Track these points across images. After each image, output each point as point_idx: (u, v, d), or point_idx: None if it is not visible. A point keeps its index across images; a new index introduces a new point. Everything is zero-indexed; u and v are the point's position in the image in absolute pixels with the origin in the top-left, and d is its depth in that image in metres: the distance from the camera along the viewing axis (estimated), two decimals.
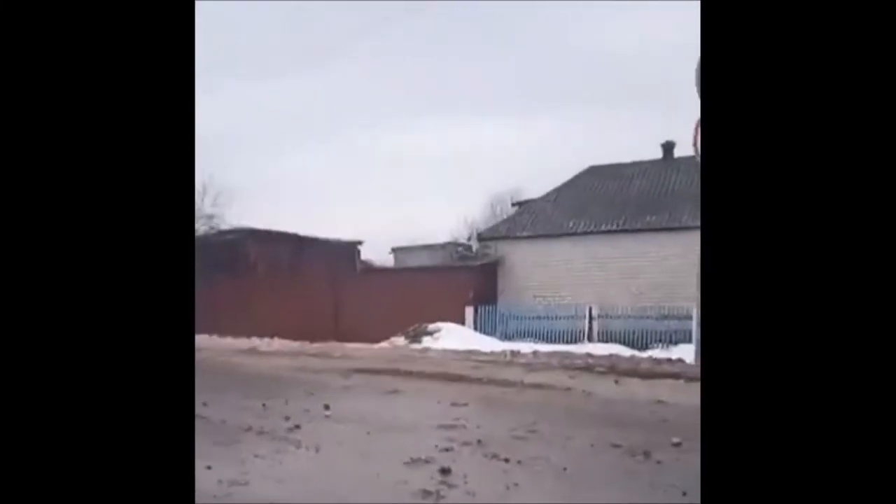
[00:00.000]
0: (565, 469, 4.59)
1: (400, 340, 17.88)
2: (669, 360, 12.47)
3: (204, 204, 26.03)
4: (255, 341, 18.47)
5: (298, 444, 5.30)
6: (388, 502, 3.96)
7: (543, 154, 49.94)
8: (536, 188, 25.58)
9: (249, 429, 5.88)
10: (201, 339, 17.54)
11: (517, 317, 19.28)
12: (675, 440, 5.27)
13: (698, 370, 7.49)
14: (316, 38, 51.48)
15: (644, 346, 16.51)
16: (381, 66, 53.32)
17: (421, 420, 6.43)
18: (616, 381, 9.69)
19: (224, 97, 46.79)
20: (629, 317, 17.96)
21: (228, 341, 18.43)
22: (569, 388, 8.93)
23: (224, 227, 25.51)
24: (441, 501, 3.88)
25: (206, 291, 20.78)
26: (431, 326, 18.30)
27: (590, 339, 17.93)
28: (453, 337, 17.44)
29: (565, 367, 11.82)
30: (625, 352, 14.93)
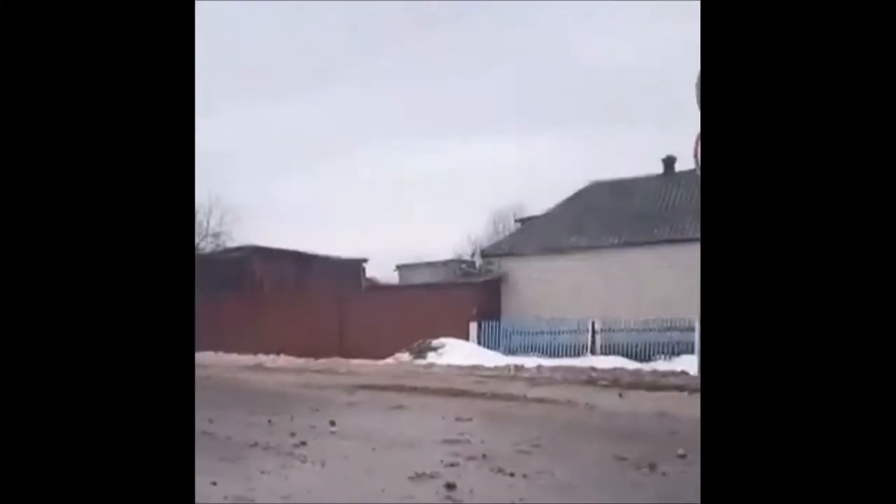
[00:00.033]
0: (571, 483, 4.59)
1: (404, 356, 17.89)
2: (673, 373, 12.47)
3: (210, 223, 26.15)
4: (261, 357, 18.51)
5: (304, 460, 5.31)
6: None
7: (545, 170, 50.01)
8: (538, 204, 25.66)
9: (255, 444, 5.90)
10: (207, 356, 17.58)
11: (521, 332, 19.26)
12: (681, 452, 5.27)
13: None
14: (317, 60, 51.87)
15: (647, 359, 16.48)
16: (383, 87, 53.66)
17: (426, 435, 6.44)
18: (620, 395, 9.69)
19: (229, 118, 47.18)
20: (632, 330, 17.92)
21: (234, 357, 18.47)
22: (573, 402, 8.93)
23: (231, 244, 25.60)
24: None
25: (213, 308, 20.91)
26: (436, 342, 18.31)
27: (593, 353, 17.88)
28: (457, 352, 17.44)
29: (569, 381, 11.82)
30: (628, 365, 14.93)
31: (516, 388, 10.54)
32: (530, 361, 15.71)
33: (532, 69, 53.36)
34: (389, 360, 17.54)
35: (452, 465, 5.07)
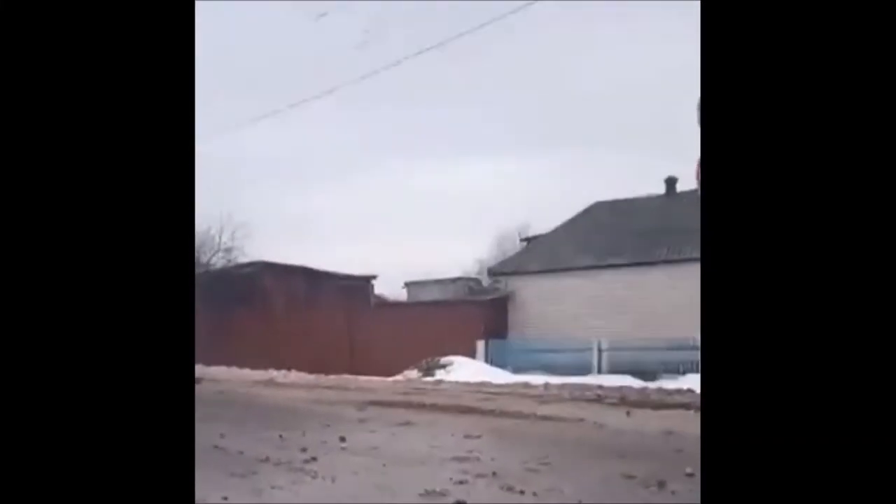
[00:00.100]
0: (580, 501, 4.62)
1: (413, 373, 17.91)
2: (679, 391, 12.46)
3: (222, 238, 26.28)
4: (272, 373, 18.56)
5: (315, 475, 5.35)
6: None
7: (549, 191, 50.18)
8: (543, 224, 25.70)
9: (267, 459, 5.94)
10: (220, 371, 17.63)
11: (528, 350, 19.26)
12: (689, 470, 5.28)
13: None
14: (327, 78, 52.27)
15: (653, 377, 16.46)
16: (390, 108, 53.94)
17: (435, 452, 6.47)
18: (628, 413, 9.69)
19: (241, 134, 47.49)
20: (637, 348, 17.90)
21: (247, 372, 18.54)
22: (581, 420, 8.95)
23: (242, 259, 25.74)
24: None
25: (225, 322, 21.04)
26: (444, 359, 18.32)
27: (599, 371, 17.87)
28: (465, 370, 17.46)
29: (576, 399, 11.82)
30: (635, 383, 14.91)
31: (524, 406, 10.55)
32: (537, 379, 15.70)
33: (538, 91, 53.62)
34: (399, 377, 17.57)
35: (462, 482, 5.10)
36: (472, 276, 29.28)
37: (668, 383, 14.49)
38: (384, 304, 25.70)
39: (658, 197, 22.55)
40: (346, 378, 17.27)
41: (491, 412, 9.86)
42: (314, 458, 5.97)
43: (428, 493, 4.73)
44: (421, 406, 10.74)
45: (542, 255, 21.85)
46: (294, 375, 18.23)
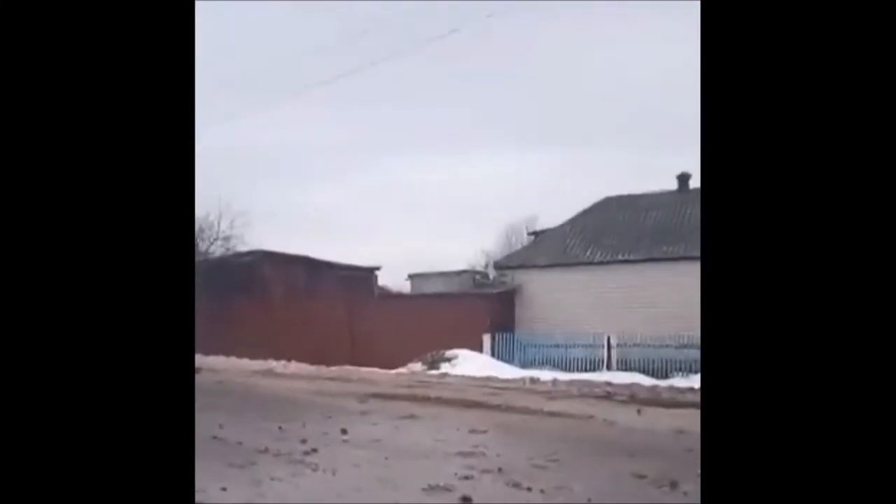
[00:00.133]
0: (590, 499, 4.45)
1: (417, 366, 17.78)
2: (691, 390, 12.26)
3: (220, 226, 26.12)
4: (272, 363, 18.46)
5: (315, 468, 5.20)
6: None
7: (558, 185, 49.88)
8: (551, 218, 25.49)
9: (266, 451, 5.80)
10: (219, 361, 17.55)
11: (535, 344, 19.13)
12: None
13: None
14: (334, 68, 52.13)
15: (664, 375, 16.31)
16: (400, 98, 53.81)
17: (439, 446, 6.32)
18: (639, 411, 9.53)
19: (243, 123, 47.47)
20: (648, 345, 17.75)
21: (245, 362, 18.45)
22: (590, 417, 8.79)
23: (241, 248, 25.57)
24: None
25: (224, 311, 20.92)
26: (449, 353, 18.19)
27: (608, 368, 17.73)
28: (471, 363, 17.32)
29: (585, 396, 11.68)
30: (645, 381, 14.74)
31: (532, 401, 10.40)
32: (545, 375, 15.56)
33: (548, 84, 53.30)
34: (402, 370, 17.43)
35: (467, 477, 4.95)
36: (479, 269, 29.16)
37: (681, 381, 14.30)
38: (388, 296, 25.55)
39: (670, 193, 22.32)
40: (348, 370, 17.15)
41: (497, 407, 9.72)
42: (314, 450, 5.83)
43: (432, 488, 4.58)
44: (425, 399, 10.60)
45: (550, 249, 21.66)
46: (294, 366, 18.11)
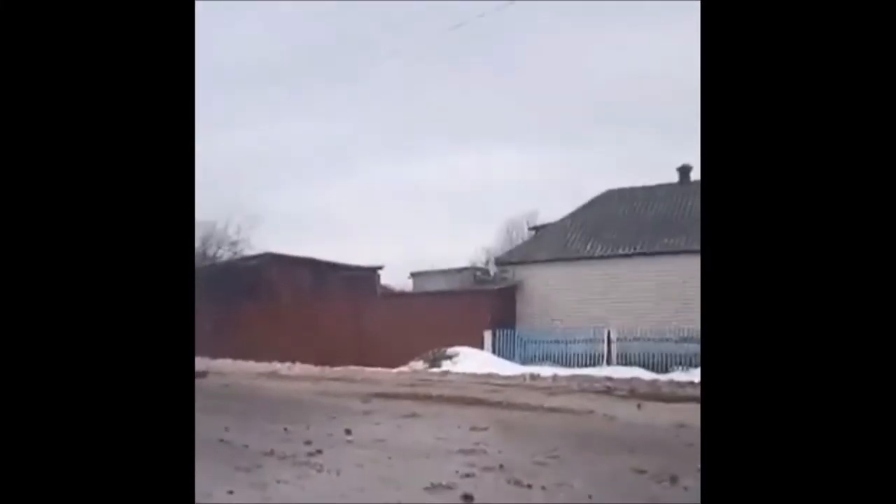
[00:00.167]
0: (590, 496, 4.52)
1: (419, 364, 17.85)
2: (691, 384, 12.34)
3: (228, 230, 26.20)
4: (277, 365, 18.54)
5: (320, 469, 5.27)
6: None
7: (559, 179, 49.97)
8: (552, 213, 25.50)
9: (271, 453, 5.87)
10: (226, 364, 17.62)
11: (536, 340, 19.17)
12: None
13: None
14: (332, 69, 52.09)
15: (664, 370, 16.35)
16: (395, 99, 53.78)
17: (441, 445, 6.39)
18: (639, 406, 9.59)
19: (247, 128, 47.47)
20: (648, 340, 17.79)
21: (251, 365, 18.52)
22: (591, 412, 8.85)
23: (248, 252, 25.66)
24: None
25: (231, 315, 21.00)
26: (450, 350, 18.26)
27: (609, 363, 17.77)
28: (472, 361, 17.39)
29: (585, 391, 11.74)
30: (645, 375, 14.80)
31: (532, 398, 10.48)
32: (546, 370, 15.63)
33: (546, 78, 53.30)
34: (404, 368, 17.52)
35: (468, 475, 5.01)
36: (480, 265, 29.18)
37: (681, 376, 14.37)
38: (390, 295, 25.66)
39: (671, 185, 22.30)
40: (352, 370, 17.23)
41: (498, 404, 9.79)
42: (319, 451, 5.90)
43: (434, 487, 4.65)
44: (427, 398, 10.67)
45: (550, 243, 21.67)
46: (299, 368, 18.21)
